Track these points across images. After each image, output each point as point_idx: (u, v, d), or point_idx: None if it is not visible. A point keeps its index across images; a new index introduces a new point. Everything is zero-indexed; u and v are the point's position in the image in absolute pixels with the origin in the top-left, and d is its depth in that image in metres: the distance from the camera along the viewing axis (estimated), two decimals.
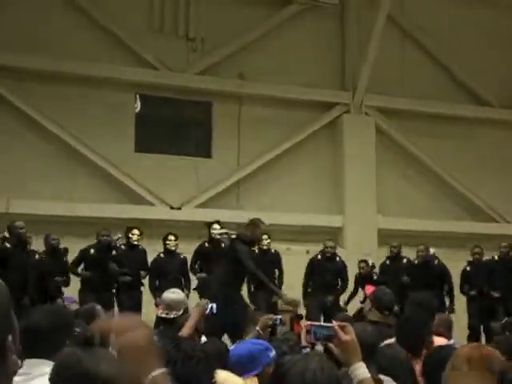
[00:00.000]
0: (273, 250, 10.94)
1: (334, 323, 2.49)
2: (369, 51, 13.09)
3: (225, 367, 3.58)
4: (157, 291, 9.80)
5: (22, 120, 11.71)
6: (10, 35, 11.52)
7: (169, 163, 12.56)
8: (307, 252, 12.78)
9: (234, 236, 8.07)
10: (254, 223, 7.98)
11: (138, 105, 12.71)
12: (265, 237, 10.80)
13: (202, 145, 13.10)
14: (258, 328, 5.24)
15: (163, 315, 5.34)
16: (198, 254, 10.41)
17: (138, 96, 12.71)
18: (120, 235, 10.13)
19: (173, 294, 5.60)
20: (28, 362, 2.63)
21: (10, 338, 1.16)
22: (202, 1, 13.03)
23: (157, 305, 9.52)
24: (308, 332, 2.54)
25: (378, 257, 12.01)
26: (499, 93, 14.85)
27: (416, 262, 10.76)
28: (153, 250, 10.49)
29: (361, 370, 2.37)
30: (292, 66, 13.35)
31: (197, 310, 4.34)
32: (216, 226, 10.49)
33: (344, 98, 13.69)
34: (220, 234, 9.93)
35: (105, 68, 12.07)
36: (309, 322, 2.59)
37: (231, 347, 3.81)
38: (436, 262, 10.70)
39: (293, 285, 10.75)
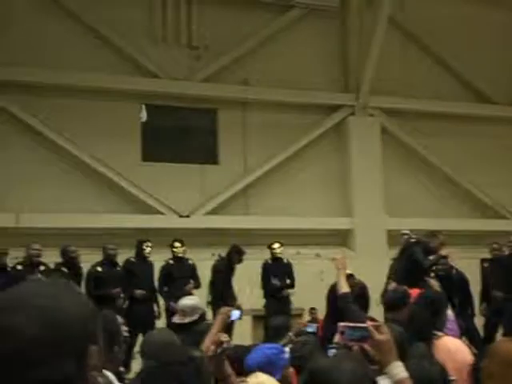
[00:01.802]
0: (285, 260, 10.91)
1: (368, 323, 2.48)
2: (371, 52, 13.10)
3: (240, 373, 3.57)
4: (167, 297, 9.78)
5: (30, 134, 11.74)
6: (13, 50, 11.55)
7: (176, 171, 12.57)
8: (317, 255, 12.78)
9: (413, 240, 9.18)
10: (434, 235, 9.00)
11: (144, 114, 12.73)
12: (277, 245, 10.80)
13: (209, 152, 13.10)
14: (290, 334, 5.23)
15: (177, 321, 5.40)
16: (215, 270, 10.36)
17: (143, 106, 12.73)
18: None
19: (188, 299, 5.67)
20: None
21: (92, 348, 1.06)
22: (204, 8, 13.06)
23: (167, 310, 9.53)
24: (342, 333, 2.53)
25: (388, 258, 11.97)
26: (504, 90, 14.84)
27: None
28: (163, 259, 10.47)
29: (398, 369, 2.33)
30: (295, 69, 13.37)
31: (219, 318, 4.34)
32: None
33: (348, 99, 13.70)
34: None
35: (109, 79, 12.09)
36: (342, 324, 2.58)
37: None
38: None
39: (303, 287, 10.77)
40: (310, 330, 5.13)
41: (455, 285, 9.80)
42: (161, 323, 9.40)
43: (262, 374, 2.83)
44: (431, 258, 8.91)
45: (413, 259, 8.75)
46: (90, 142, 11.93)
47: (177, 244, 10.29)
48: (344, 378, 2.00)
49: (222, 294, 9.98)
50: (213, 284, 10.15)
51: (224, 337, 2.89)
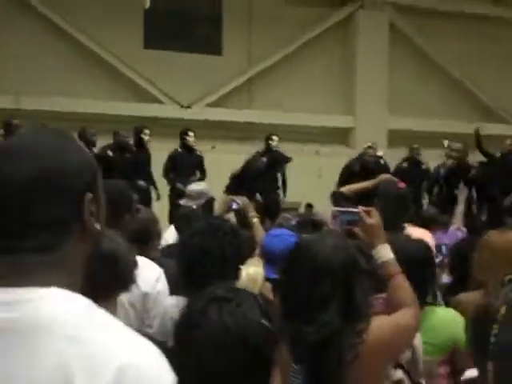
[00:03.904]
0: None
1: (360, 208, 2.49)
2: None
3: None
4: (173, 181, 9.83)
5: (31, 17, 11.43)
6: None
7: (178, 60, 12.30)
8: (316, 153, 12.78)
9: None
10: None
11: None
12: (275, 138, 10.72)
13: (213, 42, 12.79)
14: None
15: (184, 204, 5.61)
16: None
17: None
18: None
19: (196, 185, 5.90)
20: None
21: (89, 195, 1.12)
22: None
23: (171, 193, 9.67)
24: (334, 217, 2.56)
25: (388, 157, 11.96)
26: None
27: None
28: (161, 149, 10.43)
29: (384, 250, 2.38)
30: None
31: (220, 206, 4.50)
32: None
33: None
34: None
35: None
36: (335, 208, 2.60)
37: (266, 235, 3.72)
38: None
39: (302, 183, 10.83)
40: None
41: None
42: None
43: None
44: None
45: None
46: (91, 26, 11.62)
47: (190, 133, 10.20)
48: (325, 250, 2.04)
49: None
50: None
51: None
